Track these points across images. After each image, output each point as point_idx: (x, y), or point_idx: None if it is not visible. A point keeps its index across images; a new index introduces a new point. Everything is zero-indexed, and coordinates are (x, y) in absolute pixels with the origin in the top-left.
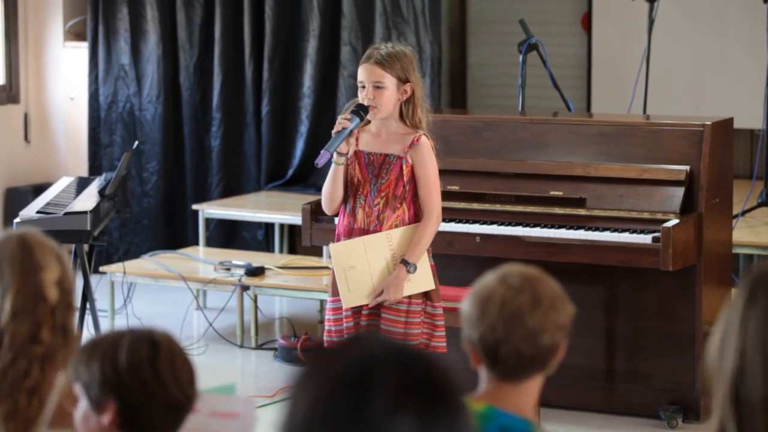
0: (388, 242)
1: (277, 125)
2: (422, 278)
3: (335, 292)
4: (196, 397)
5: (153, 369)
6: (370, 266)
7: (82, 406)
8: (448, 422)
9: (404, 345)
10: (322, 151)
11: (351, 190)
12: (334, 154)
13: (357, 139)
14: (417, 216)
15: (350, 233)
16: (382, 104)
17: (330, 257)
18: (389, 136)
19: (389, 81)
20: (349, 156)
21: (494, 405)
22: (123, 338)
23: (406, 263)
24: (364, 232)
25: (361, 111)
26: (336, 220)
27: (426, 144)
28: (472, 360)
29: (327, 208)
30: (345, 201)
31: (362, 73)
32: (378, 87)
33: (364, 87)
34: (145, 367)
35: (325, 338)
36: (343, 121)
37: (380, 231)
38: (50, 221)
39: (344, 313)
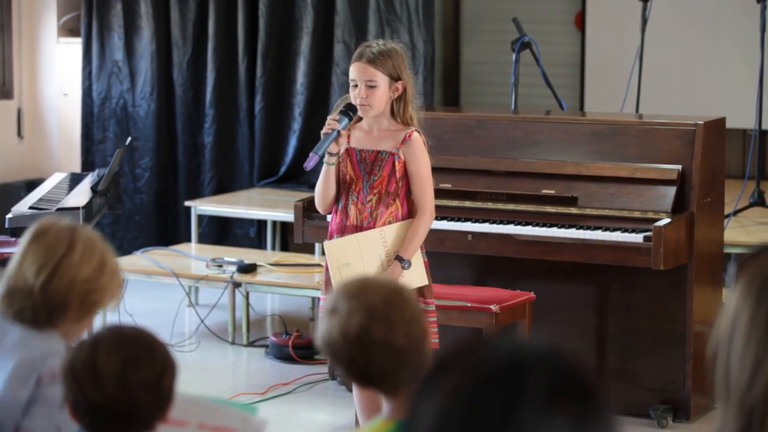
0: (382, 239)
1: (270, 122)
2: (416, 274)
3: (329, 290)
4: (126, 399)
5: (74, 372)
6: (364, 263)
7: None
8: (601, 425)
9: (554, 345)
10: (310, 154)
11: (343, 187)
12: (325, 155)
13: (349, 137)
14: (411, 212)
15: (343, 230)
16: (374, 102)
17: (324, 254)
18: (381, 133)
19: (381, 79)
20: (340, 155)
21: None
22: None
23: (400, 259)
24: (358, 229)
25: (349, 111)
26: (328, 217)
27: (418, 140)
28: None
29: (320, 207)
30: (338, 199)
31: (354, 72)
32: (370, 85)
33: (356, 85)
34: (82, 367)
35: (318, 336)
36: (332, 122)
37: (374, 228)
38: (43, 217)
39: None
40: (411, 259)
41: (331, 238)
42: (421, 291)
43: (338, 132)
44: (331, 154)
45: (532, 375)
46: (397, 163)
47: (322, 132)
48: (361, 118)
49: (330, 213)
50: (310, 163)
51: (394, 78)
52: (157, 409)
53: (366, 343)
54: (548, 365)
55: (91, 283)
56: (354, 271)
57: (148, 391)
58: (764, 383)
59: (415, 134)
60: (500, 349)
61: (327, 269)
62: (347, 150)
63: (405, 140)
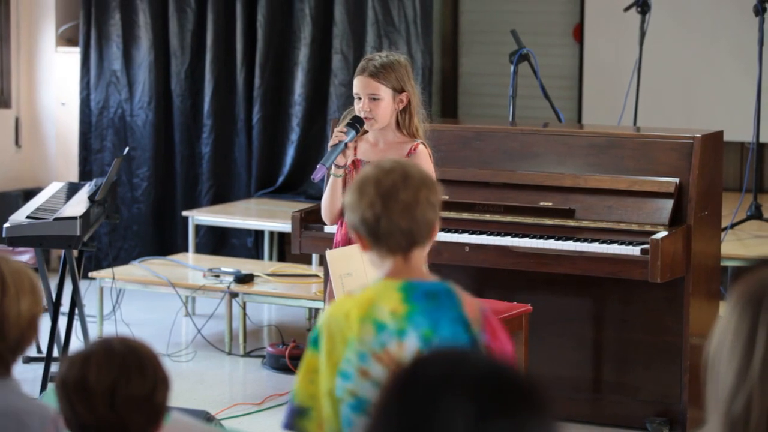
0: None
1: (268, 132)
2: None
3: (332, 300)
4: (116, 418)
5: (66, 389)
6: (366, 273)
7: None
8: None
9: (488, 356)
10: (318, 166)
11: None
12: (332, 167)
13: (355, 149)
14: None
15: (348, 242)
16: (378, 115)
17: (324, 264)
18: (387, 145)
19: (385, 92)
20: (347, 167)
21: (406, 279)
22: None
23: None
24: None
25: (356, 123)
26: (326, 228)
27: (424, 152)
28: (361, 247)
29: (327, 218)
30: (343, 210)
31: (357, 86)
32: (374, 99)
33: (360, 98)
34: (70, 386)
35: None
36: (339, 134)
37: None
38: (40, 226)
39: None
40: None
41: (335, 248)
42: None
43: (345, 144)
44: (338, 166)
45: (463, 389)
46: None
47: (330, 144)
48: (367, 131)
49: (336, 224)
50: (317, 175)
51: (398, 90)
52: (149, 425)
53: (393, 200)
54: (480, 378)
55: (33, 310)
56: (356, 281)
57: (138, 408)
58: (746, 396)
59: (421, 147)
60: (434, 364)
61: (329, 279)
62: (354, 162)
63: (410, 153)
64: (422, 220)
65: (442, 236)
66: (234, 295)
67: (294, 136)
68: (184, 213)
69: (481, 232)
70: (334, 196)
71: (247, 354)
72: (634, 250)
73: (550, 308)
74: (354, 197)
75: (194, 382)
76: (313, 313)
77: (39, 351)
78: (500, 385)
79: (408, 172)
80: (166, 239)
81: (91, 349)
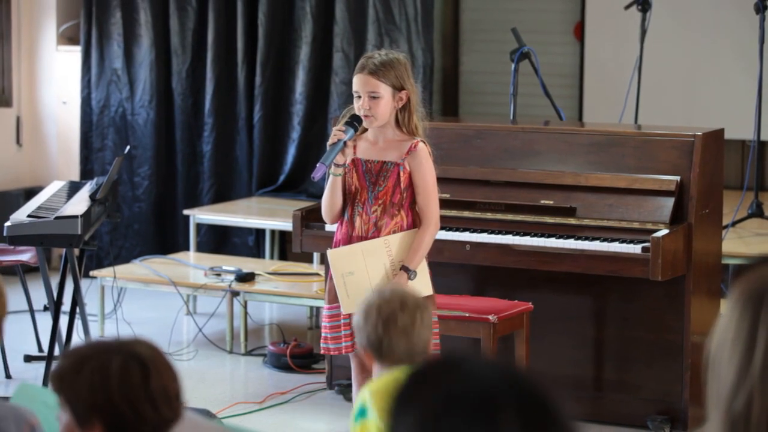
0: (386, 248)
1: (269, 131)
2: (421, 284)
3: (332, 300)
4: (182, 410)
5: (146, 393)
6: (368, 272)
7: (65, 418)
8: None
9: (521, 372)
10: (317, 165)
11: (349, 198)
12: (332, 166)
13: (354, 147)
14: (415, 223)
15: (349, 241)
16: (378, 113)
17: (325, 263)
18: (386, 143)
19: (384, 90)
20: (346, 165)
21: None
22: (112, 359)
23: (406, 269)
24: (363, 239)
25: (355, 122)
26: (327, 227)
27: (423, 150)
28: (367, 360)
29: (327, 217)
30: (344, 209)
31: (357, 84)
32: (373, 97)
33: (359, 97)
34: (137, 392)
35: (321, 345)
36: (338, 133)
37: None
38: (41, 225)
39: (343, 321)
40: (416, 270)
41: (336, 247)
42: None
43: (344, 142)
44: (337, 165)
45: (503, 409)
46: (402, 174)
47: (329, 143)
48: (366, 129)
49: (336, 223)
50: (317, 174)
51: (398, 88)
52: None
53: (392, 324)
54: (518, 397)
55: None
56: (358, 281)
57: (179, 405)
58: (747, 394)
59: (421, 144)
60: (469, 379)
61: (330, 278)
62: (353, 161)
63: (410, 151)
64: (418, 340)
65: (444, 234)
66: (235, 293)
67: (295, 134)
68: (185, 212)
69: (482, 231)
70: (333, 196)
71: (249, 353)
72: (635, 249)
73: (551, 306)
74: (360, 321)
75: (195, 380)
76: (315, 312)
77: (40, 350)
78: (544, 398)
79: (405, 299)
80: (167, 238)
81: (141, 353)
